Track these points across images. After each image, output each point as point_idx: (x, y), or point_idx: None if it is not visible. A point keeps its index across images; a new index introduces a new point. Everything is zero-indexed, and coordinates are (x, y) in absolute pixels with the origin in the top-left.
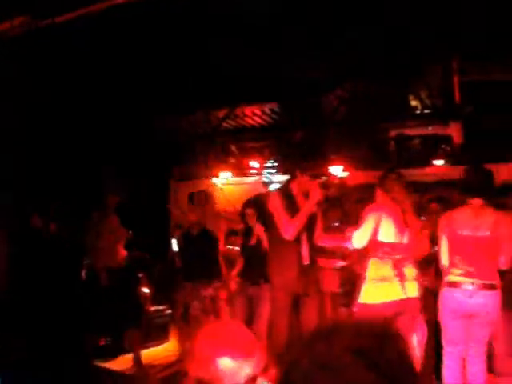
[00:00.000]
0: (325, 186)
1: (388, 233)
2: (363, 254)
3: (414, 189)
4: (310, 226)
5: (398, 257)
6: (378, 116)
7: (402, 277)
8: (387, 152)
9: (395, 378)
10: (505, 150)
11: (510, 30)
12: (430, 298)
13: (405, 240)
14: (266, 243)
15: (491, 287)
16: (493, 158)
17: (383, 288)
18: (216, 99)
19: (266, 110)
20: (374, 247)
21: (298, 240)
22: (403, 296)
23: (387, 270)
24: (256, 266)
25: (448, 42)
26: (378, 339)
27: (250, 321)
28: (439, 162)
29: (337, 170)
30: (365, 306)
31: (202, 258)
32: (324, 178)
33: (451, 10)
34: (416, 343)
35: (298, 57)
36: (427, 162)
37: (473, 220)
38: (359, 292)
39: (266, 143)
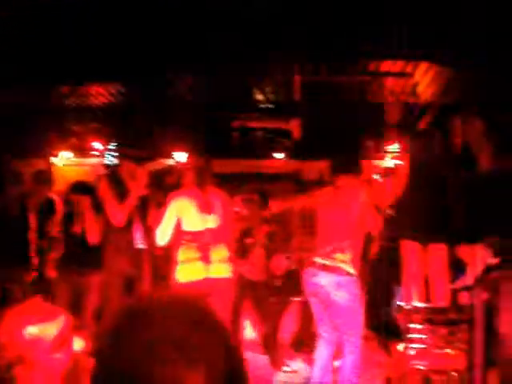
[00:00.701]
0: (165, 171)
1: (191, 220)
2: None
3: (256, 180)
4: (142, 211)
5: (203, 241)
6: (223, 105)
7: (206, 259)
8: (230, 142)
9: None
10: (337, 148)
11: (346, 34)
12: None
13: (211, 224)
14: (94, 230)
15: (334, 270)
16: (326, 155)
17: (187, 268)
18: (60, 75)
19: (112, 89)
20: (180, 237)
21: (130, 224)
22: (204, 276)
23: (192, 252)
24: (83, 254)
25: (291, 44)
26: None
27: (75, 308)
28: (279, 156)
29: (181, 156)
30: (177, 284)
31: (16, 241)
32: (168, 163)
33: (297, 11)
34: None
35: (146, 38)
36: (269, 155)
37: (334, 202)
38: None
39: (110, 124)
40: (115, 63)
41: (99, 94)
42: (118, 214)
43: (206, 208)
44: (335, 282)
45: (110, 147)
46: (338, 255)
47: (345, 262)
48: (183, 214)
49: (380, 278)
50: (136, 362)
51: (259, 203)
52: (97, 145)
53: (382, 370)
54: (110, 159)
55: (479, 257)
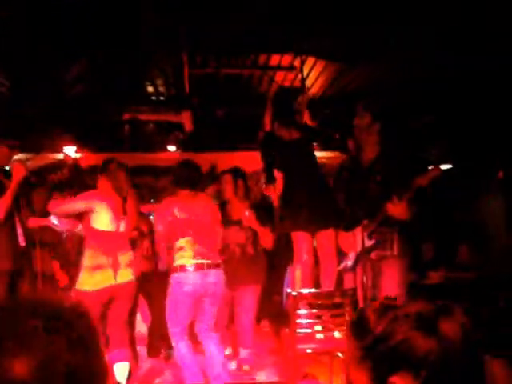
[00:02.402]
0: (52, 166)
1: (104, 221)
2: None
3: (150, 173)
4: (21, 207)
5: (112, 245)
6: (113, 98)
7: (115, 265)
8: (122, 135)
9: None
10: (229, 140)
11: (236, 27)
12: None
13: (121, 228)
14: None
15: (214, 266)
16: (217, 147)
17: (97, 276)
18: None
19: None
20: (90, 235)
21: (11, 221)
22: (114, 282)
23: (102, 258)
24: None
25: (180, 36)
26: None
27: None
28: (172, 148)
29: (70, 151)
30: (80, 292)
31: None
32: (56, 157)
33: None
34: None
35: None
36: (161, 148)
37: (189, 207)
38: (77, 278)
39: None
40: None
41: None
42: None
43: (119, 212)
44: (217, 277)
45: None
46: (210, 252)
47: (213, 257)
48: (98, 212)
49: (275, 266)
50: None
51: None
52: None
53: (274, 355)
54: None
55: (357, 240)
